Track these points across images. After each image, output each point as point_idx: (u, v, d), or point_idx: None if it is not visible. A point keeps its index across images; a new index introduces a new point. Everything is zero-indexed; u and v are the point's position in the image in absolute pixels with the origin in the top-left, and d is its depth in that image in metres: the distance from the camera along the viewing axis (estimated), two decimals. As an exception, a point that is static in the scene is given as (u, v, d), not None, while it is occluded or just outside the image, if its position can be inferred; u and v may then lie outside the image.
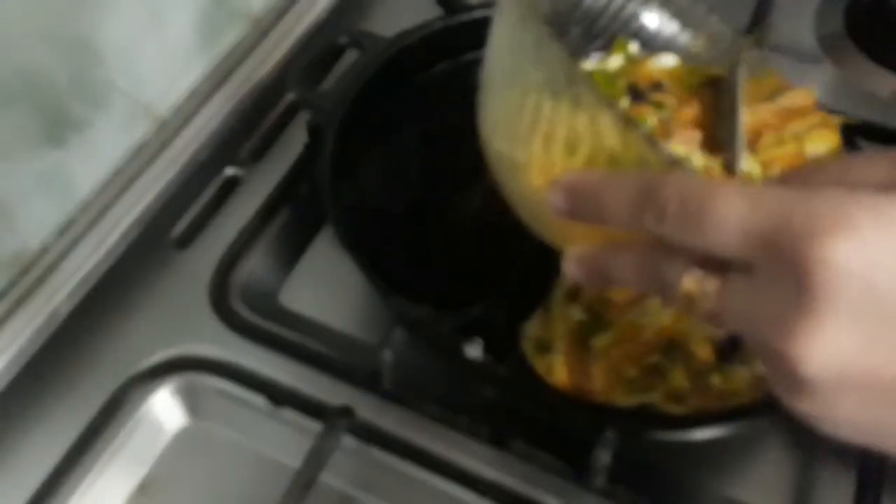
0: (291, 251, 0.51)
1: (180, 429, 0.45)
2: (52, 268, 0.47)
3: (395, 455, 0.42)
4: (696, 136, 0.40)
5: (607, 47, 0.45)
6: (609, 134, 0.26)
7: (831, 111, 0.47)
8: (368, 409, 0.43)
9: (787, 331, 0.22)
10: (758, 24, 0.59)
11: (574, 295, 0.42)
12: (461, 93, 0.50)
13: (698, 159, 0.39)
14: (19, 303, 0.46)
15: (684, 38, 0.45)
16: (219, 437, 0.45)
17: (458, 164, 0.49)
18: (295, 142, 0.54)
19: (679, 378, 0.39)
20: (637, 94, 0.42)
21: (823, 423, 0.24)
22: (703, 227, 0.23)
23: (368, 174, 0.49)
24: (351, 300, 0.48)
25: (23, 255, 0.47)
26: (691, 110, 0.41)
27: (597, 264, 0.28)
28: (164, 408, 0.45)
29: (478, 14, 0.53)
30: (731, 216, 0.23)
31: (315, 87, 0.51)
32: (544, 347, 0.41)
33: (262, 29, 0.58)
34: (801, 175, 0.26)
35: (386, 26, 0.54)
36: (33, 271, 0.47)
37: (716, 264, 0.24)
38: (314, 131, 0.52)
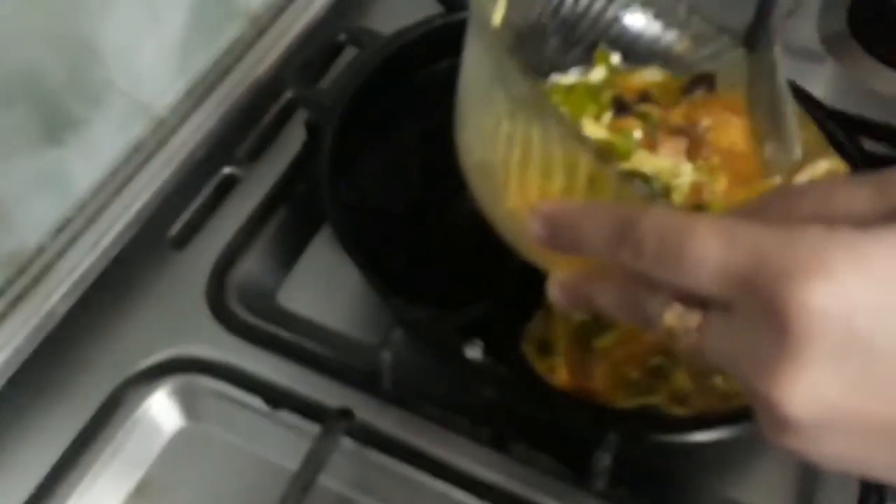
0: (289, 251, 0.51)
1: (177, 430, 0.45)
2: (48, 267, 0.47)
3: (394, 457, 0.42)
4: (683, 144, 0.40)
5: (588, 55, 0.43)
6: (583, 168, 0.26)
7: (834, 110, 0.46)
8: (367, 410, 0.42)
9: (768, 374, 0.22)
10: (759, 23, 0.58)
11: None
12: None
13: (686, 169, 0.39)
14: (16, 302, 0.45)
15: (668, 38, 0.44)
16: (216, 438, 0.44)
17: (457, 163, 0.49)
18: (293, 140, 0.54)
19: (681, 379, 0.39)
20: (622, 107, 0.41)
21: (810, 458, 0.24)
22: (680, 265, 0.23)
23: (367, 173, 0.49)
24: (350, 301, 0.48)
25: (20, 255, 0.46)
26: (677, 117, 0.41)
27: (580, 292, 0.28)
28: (161, 409, 0.45)
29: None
30: (708, 255, 0.23)
31: (313, 85, 0.51)
32: (545, 348, 0.41)
33: (260, 27, 0.58)
34: (785, 200, 0.26)
35: (385, 23, 0.53)
36: (30, 271, 0.47)
37: (698, 299, 0.24)
38: (312, 130, 0.52)
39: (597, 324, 0.41)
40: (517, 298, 0.42)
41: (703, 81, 0.42)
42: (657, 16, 0.43)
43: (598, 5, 0.43)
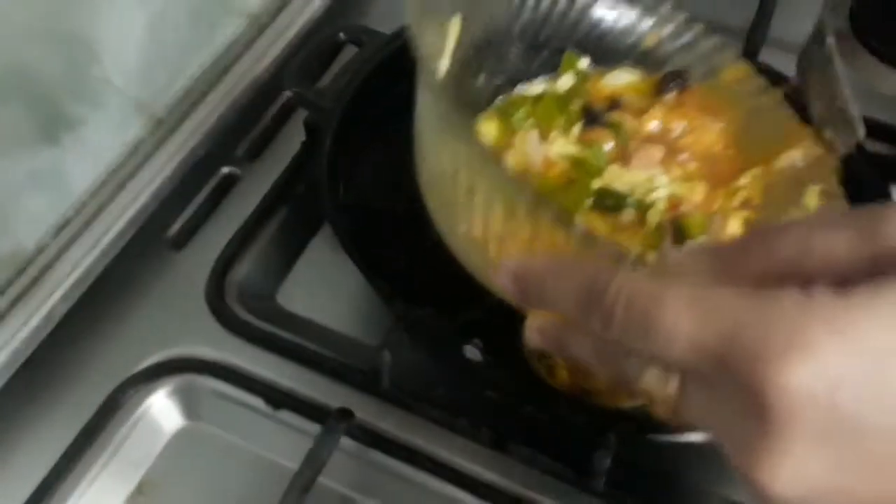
0: (289, 251, 0.51)
1: (178, 430, 0.45)
2: (47, 268, 0.47)
3: (394, 457, 0.42)
4: (659, 152, 0.38)
5: (556, 59, 0.41)
6: (545, 228, 0.26)
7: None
8: (367, 410, 0.42)
9: (751, 456, 0.22)
10: (760, 22, 0.58)
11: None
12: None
13: (662, 181, 0.37)
14: (14, 303, 0.45)
15: (637, 32, 0.41)
16: (216, 438, 0.44)
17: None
18: (292, 140, 0.54)
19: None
20: (592, 117, 0.39)
21: None
22: (651, 339, 0.23)
23: (367, 173, 0.49)
24: (349, 301, 0.48)
25: (18, 255, 0.46)
26: (650, 123, 0.39)
27: (557, 339, 0.27)
28: (162, 409, 0.45)
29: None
30: (679, 331, 0.22)
31: (313, 85, 0.51)
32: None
33: (259, 25, 0.58)
34: (763, 243, 0.24)
35: (385, 22, 0.53)
36: (28, 271, 0.46)
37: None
38: (312, 129, 0.51)
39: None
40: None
41: (676, 79, 0.40)
42: (624, 10, 0.41)
43: (561, 5, 0.40)
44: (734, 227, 0.36)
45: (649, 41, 0.40)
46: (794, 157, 0.37)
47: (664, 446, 0.41)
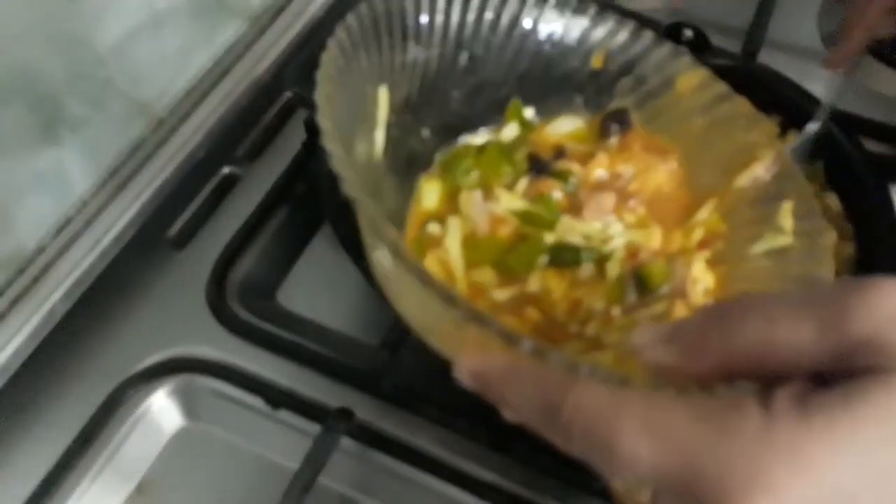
0: (289, 251, 0.51)
1: (178, 430, 0.45)
2: (48, 267, 0.47)
3: (394, 458, 0.42)
4: (610, 199, 0.36)
5: (497, 101, 0.38)
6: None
7: (834, 110, 0.46)
8: (368, 410, 0.42)
9: None
10: (760, 22, 0.58)
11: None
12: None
13: (617, 230, 0.35)
14: (15, 303, 0.45)
15: (586, 48, 0.38)
16: (216, 438, 0.44)
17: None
18: (293, 140, 0.54)
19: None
20: (539, 167, 0.37)
21: None
22: (612, 463, 0.22)
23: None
24: (350, 300, 0.47)
25: (19, 255, 0.46)
26: (598, 167, 0.37)
27: (497, 392, 0.26)
28: (162, 409, 0.45)
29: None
30: (638, 457, 0.22)
31: (313, 85, 0.51)
32: (545, 349, 0.41)
33: (260, 26, 0.58)
34: (723, 328, 0.23)
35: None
36: (29, 271, 0.46)
37: None
38: (312, 129, 0.51)
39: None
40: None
41: (617, 119, 0.38)
42: (569, 21, 0.37)
43: (499, 36, 0.37)
44: (699, 269, 0.34)
45: (596, 62, 0.38)
46: (758, 171, 0.35)
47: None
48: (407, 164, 0.36)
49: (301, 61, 0.51)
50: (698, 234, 0.35)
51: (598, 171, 0.37)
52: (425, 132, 0.37)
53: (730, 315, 0.23)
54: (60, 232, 0.48)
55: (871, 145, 0.52)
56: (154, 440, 0.44)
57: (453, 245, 0.34)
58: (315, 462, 0.40)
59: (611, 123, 0.38)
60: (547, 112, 0.39)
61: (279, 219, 0.51)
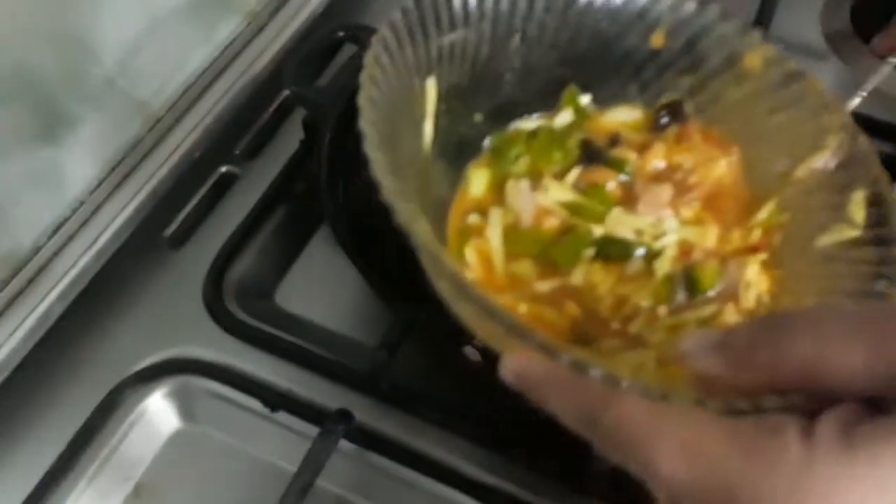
0: (287, 251, 0.50)
1: (175, 432, 0.45)
2: (44, 267, 0.46)
3: (393, 460, 0.41)
4: (667, 192, 0.35)
5: (549, 86, 0.37)
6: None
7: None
8: (366, 412, 0.42)
9: None
10: (760, 21, 0.58)
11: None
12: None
13: (671, 226, 0.34)
14: (10, 303, 0.45)
15: (638, 30, 0.36)
16: (214, 440, 0.44)
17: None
18: (291, 139, 0.54)
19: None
20: (592, 154, 0.35)
21: None
22: (649, 479, 0.23)
23: (366, 172, 0.48)
24: (348, 301, 0.47)
25: (15, 255, 0.46)
26: (656, 158, 0.36)
27: (538, 391, 0.26)
28: (158, 411, 0.44)
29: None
30: (676, 479, 0.22)
31: (311, 83, 0.51)
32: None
33: (258, 23, 0.58)
34: (774, 341, 0.23)
35: (384, 20, 0.52)
36: (25, 271, 0.46)
37: None
38: (310, 128, 0.51)
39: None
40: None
41: (671, 111, 0.36)
42: (620, 6, 0.35)
43: (556, 9, 0.35)
44: (753, 272, 0.32)
45: (656, 41, 0.36)
46: (825, 158, 0.32)
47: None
48: (457, 150, 0.35)
49: (299, 59, 0.51)
50: (756, 235, 0.34)
51: (656, 162, 0.36)
52: (477, 117, 0.36)
53: (781, 329, 0.23)
54: (57, 231, 0.47)
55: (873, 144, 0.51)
56: (151, 442, 0.44)
57: (494, 236, 0.33)
58: (313, 464, 0.40)
59: (664, 117, 0.37)
60: (603, 100, 0.37)
61: (277, 218, 0.51)
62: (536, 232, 0.34)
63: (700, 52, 0.36)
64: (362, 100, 0.28)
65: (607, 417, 0.23)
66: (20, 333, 0.44)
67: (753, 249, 0.34)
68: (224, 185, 0.53)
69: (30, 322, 0.45)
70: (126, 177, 0.50)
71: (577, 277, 0.32)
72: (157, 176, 0.50)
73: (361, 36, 0.52)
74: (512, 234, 0.33)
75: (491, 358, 0.39)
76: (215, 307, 0.46)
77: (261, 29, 0.57)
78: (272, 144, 0.54)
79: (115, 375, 0.44)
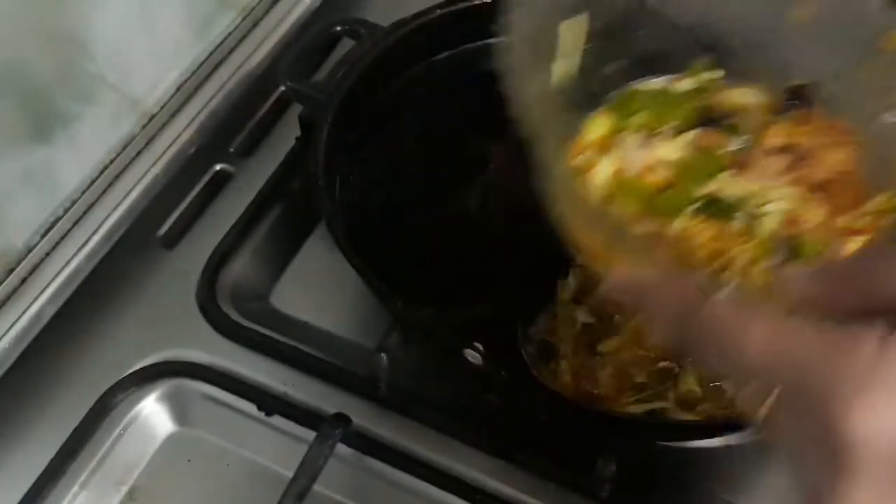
0: (283, 251, 0.50)
1: (168, 435, 0.44)
2: (36, 268, 0.46)
3: (392, 465, 0.41)
4: (782, 163, 0.36)
5: (683, 46, 0.38)
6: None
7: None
8: (364, 416, 0.42)
9: (818, 496, 0.23)
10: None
11: (580, 297, 0.41)
12: (460, 84, 0.49)
13: (779, 194, 0.35)
14: (2, 304, 0.45)
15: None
16: (208, 444, 0.44)
17: (458, 160, 0.48)
18: (287, 136, 0.53)
19: (690, 383, 0.38)
20: (710, 119, 0.37)
21: None
22: (736, 364, 0.25)
23: (364, 170, 0.48)
24: (346, 302, 0.47)
25: (6, 255, 0.46)
26: (775, 135, 0.36)
27: (640, 296, 0.28)
28: (152, 414, 0.44)
29: (477, 1, 0.51)
30: (762, 362, 0.24)
31: (308, 79, 0.50)
32: (548, 352, 0.40)
33: (253, 18, 0.57)
34: (871, 270, 0.25)
35: (382, 15, 0.52)
36: (17, 272, 0.46)
37: None
38: (307, 125, 0.51)
39: (602, 326, 0.40)
40: (518, 300, 0.42)
41: (798, 95, 0.37)
42: None
43: None
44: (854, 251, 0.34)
45: (797, 15, 0.36)
46: None
47: (668, 452, 0.41)
48: (584, 100, 0.37)
49: (295, 54, 0.51)
50: (865, 221, 0.35)
51: (774, 139, 0.37)
52: (609, 68, 0.37)
53: (880, 260, 0.25)
54: (49, 231, 0.47)
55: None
56: (145, 446, 0.44)
57: (600, 175, 0.34)
58: (310, 469, 0.39)
59: (790, 100, 0.37)
60: (732, 77, 0.38)
61: (273, 217, 0.50)
62: (639, 182, 0.35)
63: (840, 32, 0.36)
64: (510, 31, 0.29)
65: (704, 310, 0.25)
66: (11, 335, 0.44)
67: (858, 232, 0.34)
68: (218, 184, 0.52)
69: (21, 324, 0.44)
70: (119, 175, 0.50)
71: (677, 226, 0.33)
72: (150, 174, 0.50)
73: (359, 31, 0.51)
74: (617, 180, 0.35)
75: (492, 360, 0.39)
76: (209, 308, 0.46)
77: (256, 23, 0.57)
78: (267, 142, 0.54)
79: (107, 378, 0.44)
